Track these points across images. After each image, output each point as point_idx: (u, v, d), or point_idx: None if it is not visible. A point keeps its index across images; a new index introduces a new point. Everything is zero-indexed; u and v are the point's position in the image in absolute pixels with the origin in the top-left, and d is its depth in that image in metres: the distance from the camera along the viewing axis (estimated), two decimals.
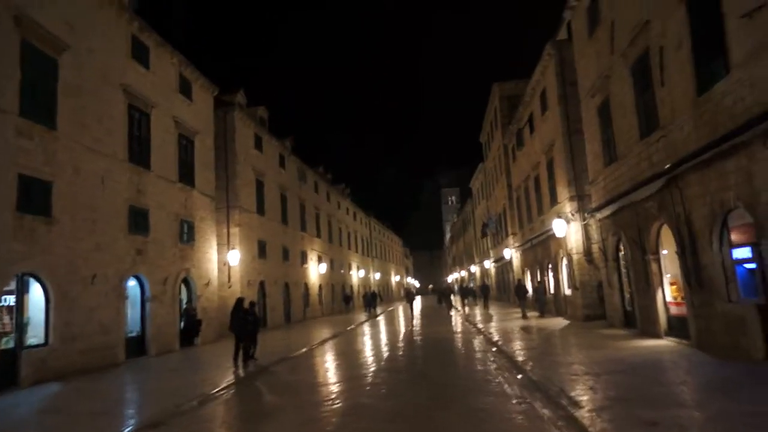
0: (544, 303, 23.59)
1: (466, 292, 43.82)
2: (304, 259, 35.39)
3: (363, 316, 35.18)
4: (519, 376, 9.34)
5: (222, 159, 24.66)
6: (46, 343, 12.76)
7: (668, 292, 12.60)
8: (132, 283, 17.09)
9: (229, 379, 11.23)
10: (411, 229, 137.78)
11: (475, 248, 58.90)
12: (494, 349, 13.52)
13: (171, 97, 19.13)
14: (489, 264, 47.05)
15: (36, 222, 12.51)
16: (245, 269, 25.35)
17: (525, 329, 17.73)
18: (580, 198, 19.75)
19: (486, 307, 32.23)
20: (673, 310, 12.34)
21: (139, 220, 16.70)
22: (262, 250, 27.64)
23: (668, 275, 12.67)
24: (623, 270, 15.60)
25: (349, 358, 13.74)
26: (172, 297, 18.46)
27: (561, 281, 22.11)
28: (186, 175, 20.01)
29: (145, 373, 13.52)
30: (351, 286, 50.35)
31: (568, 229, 19.71)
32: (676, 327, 12.09)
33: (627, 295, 15.31)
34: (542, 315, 22.88)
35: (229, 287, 24.18)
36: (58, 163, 13.30)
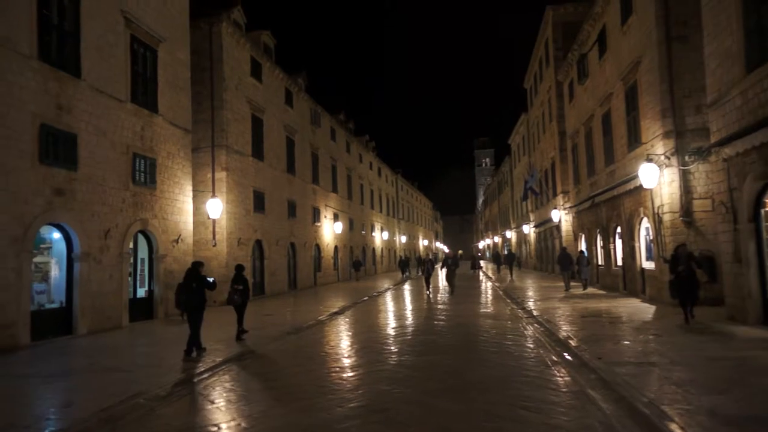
0: (587, 275, 20.19)
1: (499, 258, 39.75)
2: (316, 216, 30.59)
3: (386, 283, 30.49)
4: None
5: (205, 85, 19.71)
6: None
7: None
8: (56, 235, 12.53)
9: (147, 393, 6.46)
10: (441, 191, 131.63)
11: (512, 212, 53.26)
12: (576, 361, 8.36)
13: None
14: (528, 229, 41.51)
15: None
16: (236, 224, 20.66)
17: (600, 317, 12.50)
18: (679, 135, 14.12)
19: (511, 274, 31.71)
20: None
21: (59, 147, 11.92)
22: (259, 202, 22.85)
23: None
24: (766, 236, 10.13)
25: (329, 374, 8.79)
26: (119, 256, 13.84)
27: (637, 250, 16.64)
28: (144, 94, 15.10)
29: (43, 365, 8.92)
30: (373, 249, 45.66)
31: (659, 179, 14.14)
32: None
33: None
34: (584, 288, 19.74)
35: (213, 246, 19.58)
36: None
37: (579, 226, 24.89)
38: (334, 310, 16.56)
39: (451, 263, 22.91)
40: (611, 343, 8.88)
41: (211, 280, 10.08)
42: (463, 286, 25.67)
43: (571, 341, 9.18)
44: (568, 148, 26.81)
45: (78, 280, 12.50)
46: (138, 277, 15.41)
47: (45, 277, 12.55)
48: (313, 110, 30.58)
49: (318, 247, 30.98)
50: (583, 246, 23.82)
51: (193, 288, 9.64)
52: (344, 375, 7.77)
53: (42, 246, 12.35)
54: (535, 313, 13.78)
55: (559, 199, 28.60)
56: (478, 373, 7.48)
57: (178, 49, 16.79)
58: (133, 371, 8.30)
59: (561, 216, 28.03)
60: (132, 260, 14.97)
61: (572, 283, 20.47)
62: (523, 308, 15.34)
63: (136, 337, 12.37)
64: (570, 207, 26.57)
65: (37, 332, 11.24)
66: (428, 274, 22.68)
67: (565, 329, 10.62)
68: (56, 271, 12.64)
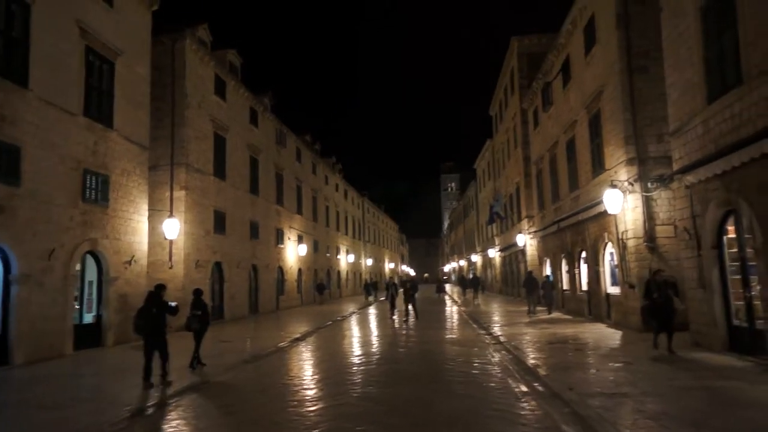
0: (552, 299, 20.57)
1: (464, 282, 39.92)
2: (279, 238, 29.88)
3: (351, 307, 29.86)
4: None
5: (166, 101, 19.07)
6: None
7: None
8: None
9: None
10: (408, 215, 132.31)
11: (477, 236, 53.57)
12: (547, 391, 8.05)
13: None
14: (494, 253, 41.72)
15: None
16: (194, 246, 19.84)
17: (567, 343, 12.32)
18: (642, 162, 14.32)
19: (475, 297, 31.11)
20: None
21: (0, 160, 11.13)
22: (220, 223, 22.10)
23: None
24: (729, 262, 10.19)
25: (287, 408, 8.17)
26: (64, 278, 12.93)
27: (602, 275, 16.69)
28: (98, 108, 14.39)
29: None
30: (338, 272, 44.98)
31: (622, 205, 14.25)
32: None
33: (738, 303, 9.90)
34: (549, 312, 19.96)
35: (170, 268, 18.72)
36: None
37: (544, 251, 25.03)
38: (296, 336, 15.92)
39: (409, 287, 21.80)
40: (581, 371, 8.64)
41: (173, 304, 9.72)
42: (429, 311, 25.35)
43: (540, 370, 8.89)
44: (532, 174, 27.13)
45: (15, 305, 11.54)
46: (85, 302, 14.44)
47: None
48: (278, 130, 30.12)
49: (281, 270, 30.19)
50: (548, 270, 23.91)
51: (153, 313, 9.14)
52: (302, 409, 7.24)
53: None
54: (501, 339, 13.52)
55: (524, 224, 28.80)
56: (446, 405, 7.07)
57: (138, 64, 16.17)
58: (70, 407, 7.55)
59: (526, 240, 28.19)
60: (79, 283, 14.05)
61: (538, 308, 20.42)
62: (490, 334, 15.08)
63: (80, 367, 11.48)
64: (535, 231, 26.76)
65: None
66: (392, 298, 22.18)
67: (533, 356, 10.36)
68: None
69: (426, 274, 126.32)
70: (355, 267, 52.60)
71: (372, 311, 27.64)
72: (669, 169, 12.77)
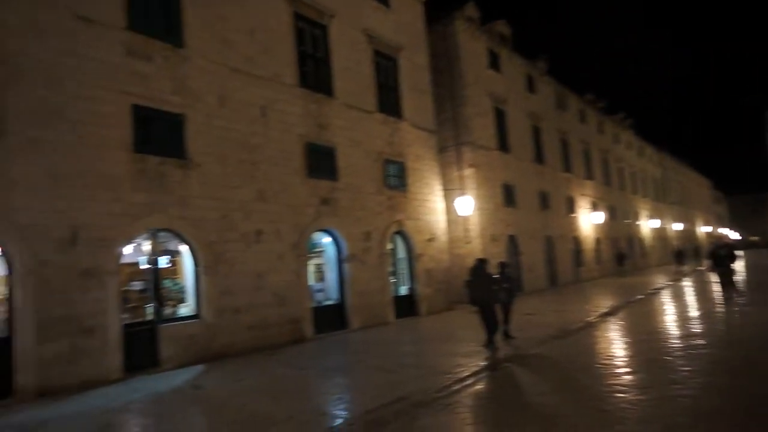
0: None
1: None
2: (571, 206, 28.30)
3: (660, 279, 26.37)
4: None
5: (445, 85, 19.88)
6: (196, 317, 10.22)
7: None
8: (327, 239, 13.90)
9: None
10: (722, 168, 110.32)
11: None
12: None
13: (358, 4, 15.02)
14: None
15: (166, 166, 9.84)
16: (487, 220, 20.25)
17: None
18: None
19: None
20: None
21: (321, 162, 13.20)
22: (509, 196, 22.06)
23: None
24: None
25: (611, 394, 6.93)
26: (380, 256, 14.66)
27: None
28: (388, 103, 15.83)
29: (322, 359, 9.88)
30: (639, 240, 40.35)
31: None
32: None
33: None
34: None
35: (467, 243, 19.51)
36: (191, 90, 10.41)
37: None
38: (604, 310, 14.59)
39: (725, 254, 16.86)
40: None
41: (497, 276, 10.29)
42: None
43: None
44: None
45: (347, 280, 13.64)
46: (400, 276, 16.14)
47: (321, 278, 14.07)
48: (558, 94, 28.47)
49: (576, 240, 28.55)
50: None
51: (480, 284, 9.76)
52: (632, 397, 6.30)
53: (316, 250, 13.86)
54: None
55: None
56: None
57: (417, 55, 17.23)
58: (398, 371, 8.30)
59: None
60: (392, 260, 15.76)
61: None
62: None
63: (401, 335, 12.79)
64: None
65: (318, 326, 12.57)
66: (722, 268, 18.03)
67: None
68: (329, 272, 14.01)
69: (755, 237, 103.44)
70: (659, 233, 46.40)
71: (688, 283, 23.72)
72: None
